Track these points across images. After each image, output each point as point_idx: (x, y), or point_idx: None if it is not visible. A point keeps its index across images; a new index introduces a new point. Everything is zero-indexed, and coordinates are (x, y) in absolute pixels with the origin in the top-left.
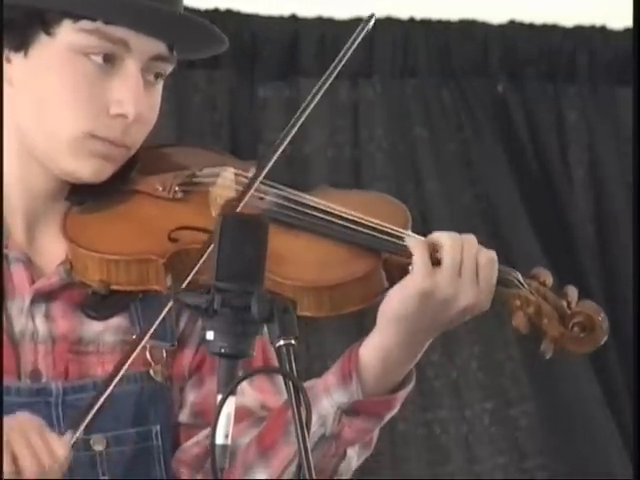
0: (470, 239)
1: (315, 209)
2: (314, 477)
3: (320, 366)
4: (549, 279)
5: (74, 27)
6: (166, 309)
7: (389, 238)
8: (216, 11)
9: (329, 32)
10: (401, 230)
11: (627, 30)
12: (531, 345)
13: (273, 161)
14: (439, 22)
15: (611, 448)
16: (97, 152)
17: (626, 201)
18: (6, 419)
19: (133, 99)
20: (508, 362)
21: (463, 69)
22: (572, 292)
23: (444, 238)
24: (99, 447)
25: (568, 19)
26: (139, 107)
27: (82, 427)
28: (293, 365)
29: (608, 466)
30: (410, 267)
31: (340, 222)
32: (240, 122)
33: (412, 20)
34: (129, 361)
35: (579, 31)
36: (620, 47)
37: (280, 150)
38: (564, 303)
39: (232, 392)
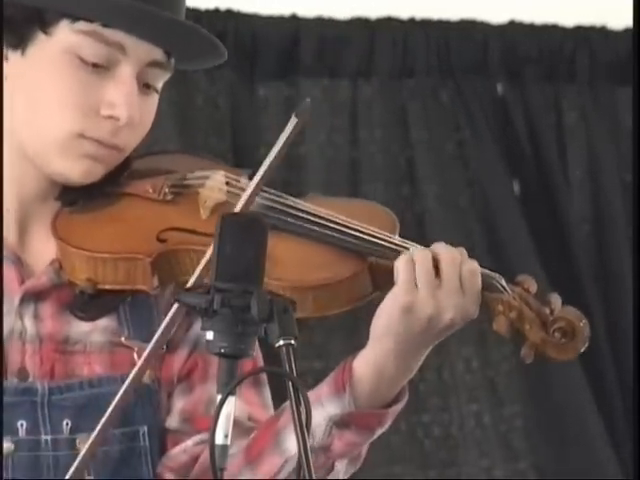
0: (451, 250)
1: (302, 212)
2: (314, 477)
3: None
4: (533, 286)
5: (72, 28)
6: (172, 312)
7: (375, 241)
8: (216, 11)
9: (329, 32)
10: (387, 234)
11: (627, 30)
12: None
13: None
14: (439, 22)
15: (602, 451)
16: (86, 153)
17: (623, 201)
18: None
19: (126, 102)
20: (504, 363)
21: (463, 69)
22: (555, 299)
23: (417, 254)
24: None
25: (568, 19)
26: (131, 111)
27: None
28: (293, 365)
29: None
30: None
31: (327, 224)
32: (240, 122)
33: (412, 20)
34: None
35: (579, 31)
36: (620, 47)
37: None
38: (546, 310)
39: (232, 392)
